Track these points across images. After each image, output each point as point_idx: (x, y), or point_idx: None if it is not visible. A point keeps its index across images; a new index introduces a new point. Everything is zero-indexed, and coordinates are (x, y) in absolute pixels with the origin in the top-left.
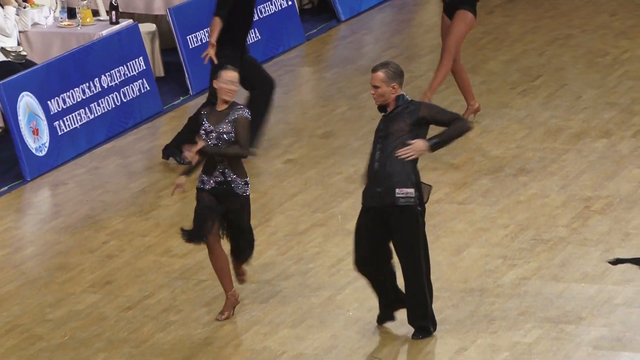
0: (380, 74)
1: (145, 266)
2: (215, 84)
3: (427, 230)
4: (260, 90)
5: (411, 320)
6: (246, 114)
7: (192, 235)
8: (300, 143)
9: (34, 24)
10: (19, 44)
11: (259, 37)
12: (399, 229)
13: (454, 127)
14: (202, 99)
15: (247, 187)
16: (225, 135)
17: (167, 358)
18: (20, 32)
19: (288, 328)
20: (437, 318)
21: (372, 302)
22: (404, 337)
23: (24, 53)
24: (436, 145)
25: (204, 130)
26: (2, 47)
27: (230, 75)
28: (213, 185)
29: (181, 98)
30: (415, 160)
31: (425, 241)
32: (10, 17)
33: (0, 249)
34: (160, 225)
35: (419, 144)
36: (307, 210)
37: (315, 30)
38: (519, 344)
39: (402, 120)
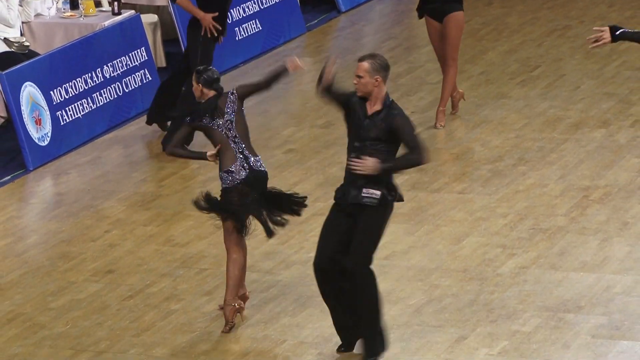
0: (366, 64)
1: (147, 255)
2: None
3: (426, 219)
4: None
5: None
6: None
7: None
8: (301, 133)
9: (37, 15)
10: (22, 35)
11: (260, 28)
12: (362, 221)
13: (408, 157)
14: None
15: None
16: (233, 114)
17: (168, 346)
18: (23, 22)
19: (289, 317)
20: (437, 307)
21: None
22: (404, 325)
23: (27, 43)
24: (386, 170)
25: (206, 126)
26: (5, 38)
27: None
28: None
29: (183, 88)
30: (390, 160)
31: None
32: (13, 7)
33: (3, 238)
34: (161, 215)
35: (371, 164)
36: (307, 199)
37: (315, 21)
38: (518, 333)
39: (381, 124)
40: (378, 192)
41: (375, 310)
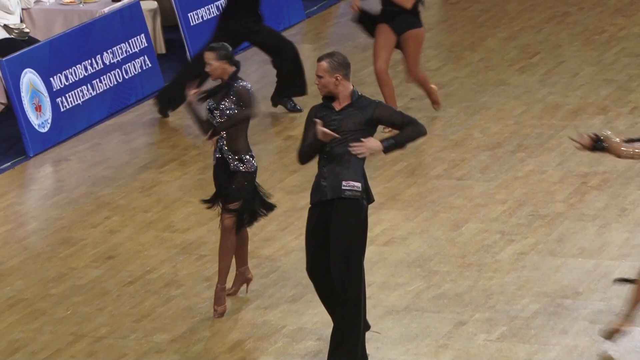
0: (324, 64)
1: (147, 241)
2: None
3: (425, 206)
4: (281, 55)
5: (332, 350)
6: (243, 84)
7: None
8: (301, 119)
9: (37, 2)
10: (21, 21)
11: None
12: (339, 220)
13: (410, 130)
14: None
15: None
16: (229, 111)
17: (168, 332)
18: (23, 9)
19: (288, 303)
20: (436, 292)
21: (370, 278)
22: (403, 310)
23: (27, 30)
24: (390, 147)
25: (208, 108)
26: (5, 25)
27: (205, 57)
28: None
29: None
30: (363, 159)
31: (364, 245)
32: None
33: (4, 224)
34: (161, 201)
35: (372, 143)
36: (307, 186)
37: (315, 8)
38: (517, 318)
39: (355, 117)
40: (358, 184)
41: (358, 315)
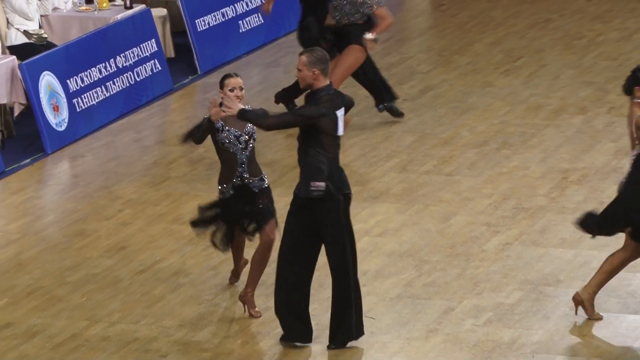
0: (303, 57)
1: (157, 233)
2: (222, 94)
3: (416, 200)
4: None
5: (331, 334)
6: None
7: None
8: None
9: (55, 9)
10: (40, 27)
11: (262, 21)
12: (321, 220)
13: (260, 114)
14: (210, 78)
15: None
16: (256, 134)
17: (177, 317)
18: (41, 16)
19: None
20: (426, 280)
21: (366, 266)
22: (396, 297)
23: (45, 35)
24: (244, 114)
25: (233, 135)
26: (25, 30)
27: (235, 82)
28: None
29: (190, 77)
30: (327, 152)
31: (350, 231)
32: (32, 2)
33: (23, 217)
34: (171, 195)
35: (234, 105)
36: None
37: None
38: (502, 305)
39: None
40: (322, 184)
41: (350, 297)
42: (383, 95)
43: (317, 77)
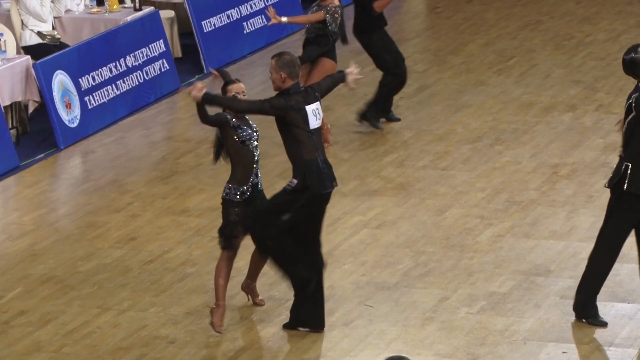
0: (272, 62)
1: (165, 224)
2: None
3: (413, 193)
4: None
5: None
6: None
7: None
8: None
9: (67, 11)
10: (53, 28)
11: (265, 23)
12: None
13: (221, 98)
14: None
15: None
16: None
17: (183, 305)
18: (54, 17)
19: None
20: (422, 271)
21: (365, 257)
22: (393, 287)
23: (58, 36)
24: (207, 98)
25: (250, 133)
26: (38, 31)
27: (237, 88)
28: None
29: (197, 76)
30: (304, 146)
31: (312, 227)
32: (45, 4)
33: (37, 209)
34: (178, 189)
35: (197, 92)
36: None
37: None
38: (495, 294)
39: None
40: (295, 180)
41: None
42: (380, 106)
43: (284, 80)
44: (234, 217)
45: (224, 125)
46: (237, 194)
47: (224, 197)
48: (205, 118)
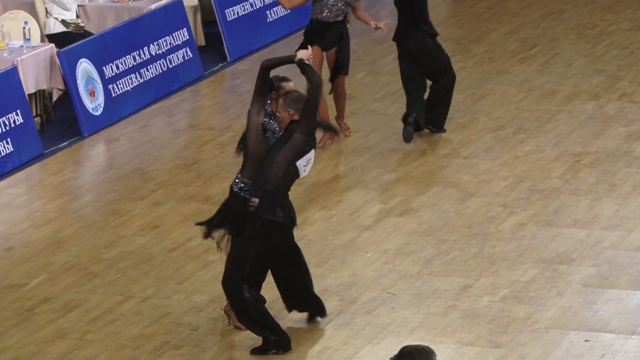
0: (280, 101)
1: (188, 212)
2: (273, 94)
3: (436, 181)
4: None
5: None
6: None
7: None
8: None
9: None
10: (77, 17)
11: (288, 12)
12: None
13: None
14: (239, 65)
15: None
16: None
17: (206, 293)
18: (79, 6)
19: (313, 267)
20: (445, 259)
21: (387, 245)
22: (416, 275)
23: (82, 24)
24: (304, 65)
25: (274, 129)
26: (63, 20)
27: (289, 87)
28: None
29: (220, 64)
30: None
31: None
32: None
33: (61, 197)
34: (201, 176)
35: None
36: (330, 163)
37: None
38: (517, 282)
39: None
40: (256, 200)
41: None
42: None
43: (292, 116)
44: (225, 209)
45: (266, 98)
46: (242, 185)
47: (231, 187)
48: (269, 66)
